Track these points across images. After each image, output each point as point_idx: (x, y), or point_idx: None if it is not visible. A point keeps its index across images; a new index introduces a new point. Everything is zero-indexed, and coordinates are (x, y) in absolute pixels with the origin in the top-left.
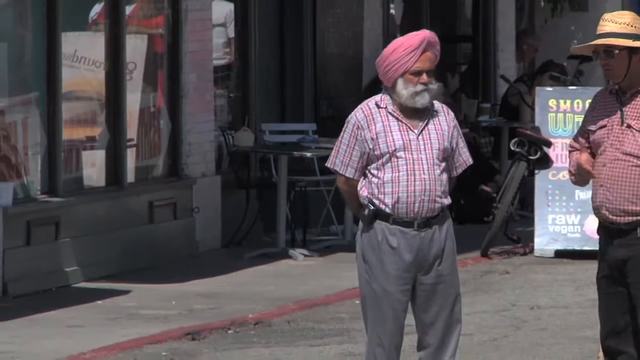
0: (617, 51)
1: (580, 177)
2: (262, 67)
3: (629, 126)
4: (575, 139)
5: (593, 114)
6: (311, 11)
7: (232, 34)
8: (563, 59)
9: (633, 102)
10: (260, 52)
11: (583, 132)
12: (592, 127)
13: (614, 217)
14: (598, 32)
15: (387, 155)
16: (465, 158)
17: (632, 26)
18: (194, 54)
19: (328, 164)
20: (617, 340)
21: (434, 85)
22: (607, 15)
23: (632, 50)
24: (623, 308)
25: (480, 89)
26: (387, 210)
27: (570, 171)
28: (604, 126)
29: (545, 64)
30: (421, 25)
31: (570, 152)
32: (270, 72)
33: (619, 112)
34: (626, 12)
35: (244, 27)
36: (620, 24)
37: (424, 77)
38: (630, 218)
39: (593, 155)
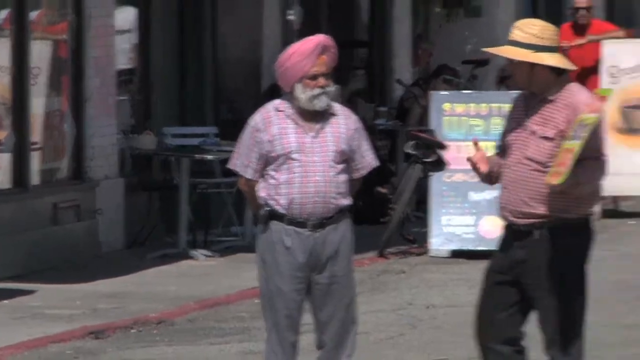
0: (515, 61)
1: (479, 175)
2: (164, 72)
3: (533, 132)
4: (497, 142)
5: (509, 117)
6: (211, 16)
7: (135, 40)
8: (457, 63)
9: (540, 109)
10: (161, 57)
11: (501, 135)
12: (506, 130)
13: (514, 219)
14: (508, 39)
15: (283, 157)
16: (369, 160)
17: (538, 37)
18: (97, 59)
19: (229, 165)
20: (489, 336)
21: (332, 88)
22: (518, 23)
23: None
24: (504, 306)
25: (377, 93)
26: (282, 211)
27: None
28: (514, 129)
29: (439, 67)
30: (319, 31)
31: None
32: (171, 76)
33: (526, 116)
34: (537, 22)
35: (145, 32)
36: (526, 33)
37: (321, 80)
38: (528, 220)
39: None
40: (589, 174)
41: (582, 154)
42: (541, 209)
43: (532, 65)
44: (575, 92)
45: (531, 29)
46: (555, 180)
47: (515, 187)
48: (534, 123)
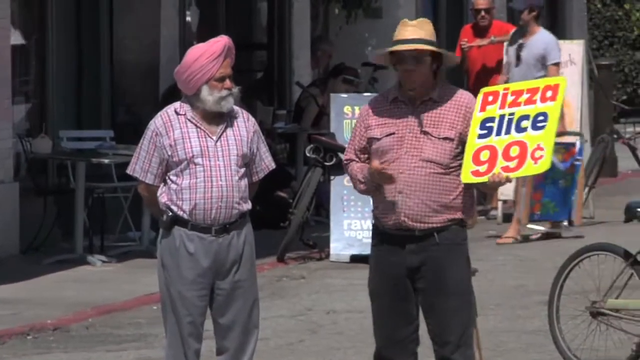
0: (426, 57)
1: (379, 182)
2: (60, 74)
3: (426, 133)
4: (351, 149)
5: (372, 122)
6: (108, 17)
7: (31, 41)
8: (358, 65)
9: (428, 110)
10: (57, 59)
11: (360, 141)
12: (377, 135)
13: (413, 223)
14: (403, 38)
15: (185, 162)
16: (267, 163)
17: (428, 33)
18: None
19: (128, 171)
20: (395, 351)
21: (236, 90)
22: (411, 22)
23: (434, 58)
24: (407, 319)
25: (276, 96)
26: (185, 216)
27: (359, 180)
28: (393, 134)
29: (338, 67)
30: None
31: (346, 164)
32: (67, 78)
33: (411, 119)
34: (426, 20)
35: (41, 33)
36: (426, 30)
37: (228, 82)
38: (429, 225)
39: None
40: None
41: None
42: (446, 212)
43: (432, 62)
44: (459, 92)
45: (428, 26)
46: (544, 166)
47: (416, 192)
48: (426, 125)
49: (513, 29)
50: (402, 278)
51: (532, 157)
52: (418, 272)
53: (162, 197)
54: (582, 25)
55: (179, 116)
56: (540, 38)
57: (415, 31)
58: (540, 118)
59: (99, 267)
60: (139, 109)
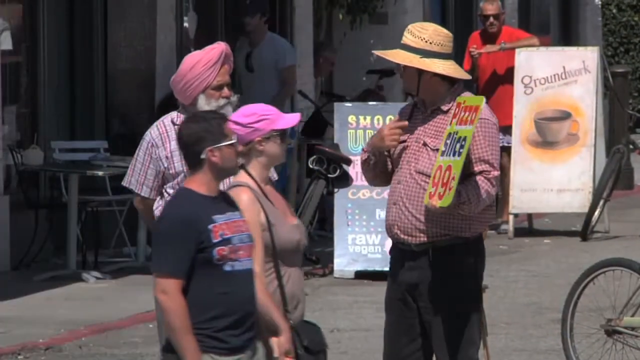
0: (402, 65)
1: (378, 144)
2: (52, 83)
3: (425, 144)
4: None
5: None
6: (102, 25)
7: (22, 50)
8: (362, 72)
9: (432, 120)
10: (49, 66)
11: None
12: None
13: (405, 237)
14: (402, 42)
15: (182, 175)
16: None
17: (428, 42)
18: None
19: (124, 183)
20: None
21: (235, 98)
22: (410, 26)
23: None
24: (410, 335)
25: None
26: None
27: (363, 150)
28: (404, 141)
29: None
30: (216, 39)
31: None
32: (60, 88)
33: (420, 128)
34: (429, 26)
35: (33, 42)
36: (416, 37)
37: (226, 90)
38: (421, 239)
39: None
40: (474, 192)
41: (465, 170)
42: (434, 227)
43: (420, 72)
44: None
45: (422, 33)
46: (437, 202)
47: (408, 204)
48: (426, 135)
49: (525, 35)
50: (404, 293)
51: (448, 188)
52: (416, 289)
53: (159, 211)
54: (596, 32)
55: (176, 126)
56: (271, 43)
57: (406, 37)
58: (463, 142)
59: (92, 283)
60: (135, 118)
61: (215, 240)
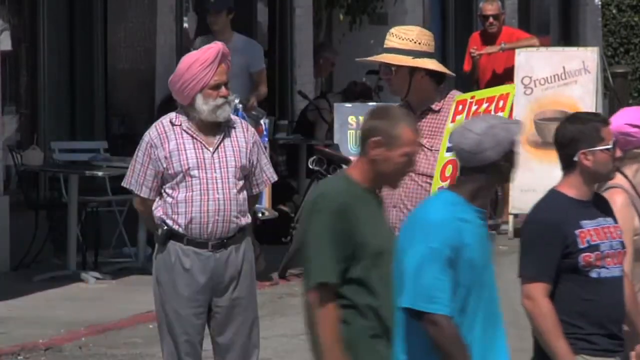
0: (394, 68)
1: None
2: (52, 84)
3: (419, 144)
4: None
5: None
6: (102, 25)
7: (22, 50)
8: (362, 73)
9: (423, 120)
10: (49, 67)
11: None
12: None
13: None
14: (384, 46)
15: (181, 175)
16: (268, 175)
17: (416, 42)
18: None
19: (124, 183)
20: None
21: (233, 97)
22: (393, 30)
23: (413, 68)
24: None
25: (277, 106)
26: (181, 230)
27: None
28: None
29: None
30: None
31: None
32: (60, 88)
33: None
34: (413, 27)
35: (32, 43)
36: (403, 39)
37: (223, 90)
38: None
39: None
40: None
41: None
42: None
43: (412, 74)
44: None
45: (408, 34)
46: None
47: (407, 205)
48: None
49: (525, 36)
50: None
51: None
52: None
53: (158, 211)
54: (596, 32)
55: (175, 127)
56: (239, 47)
57: (391, 40)
58: None
59: (92, 284)
60: (134, 119)
61: (581, 246)
